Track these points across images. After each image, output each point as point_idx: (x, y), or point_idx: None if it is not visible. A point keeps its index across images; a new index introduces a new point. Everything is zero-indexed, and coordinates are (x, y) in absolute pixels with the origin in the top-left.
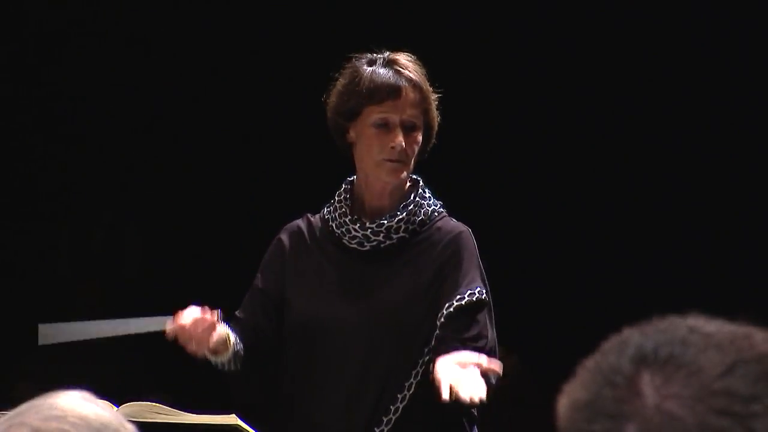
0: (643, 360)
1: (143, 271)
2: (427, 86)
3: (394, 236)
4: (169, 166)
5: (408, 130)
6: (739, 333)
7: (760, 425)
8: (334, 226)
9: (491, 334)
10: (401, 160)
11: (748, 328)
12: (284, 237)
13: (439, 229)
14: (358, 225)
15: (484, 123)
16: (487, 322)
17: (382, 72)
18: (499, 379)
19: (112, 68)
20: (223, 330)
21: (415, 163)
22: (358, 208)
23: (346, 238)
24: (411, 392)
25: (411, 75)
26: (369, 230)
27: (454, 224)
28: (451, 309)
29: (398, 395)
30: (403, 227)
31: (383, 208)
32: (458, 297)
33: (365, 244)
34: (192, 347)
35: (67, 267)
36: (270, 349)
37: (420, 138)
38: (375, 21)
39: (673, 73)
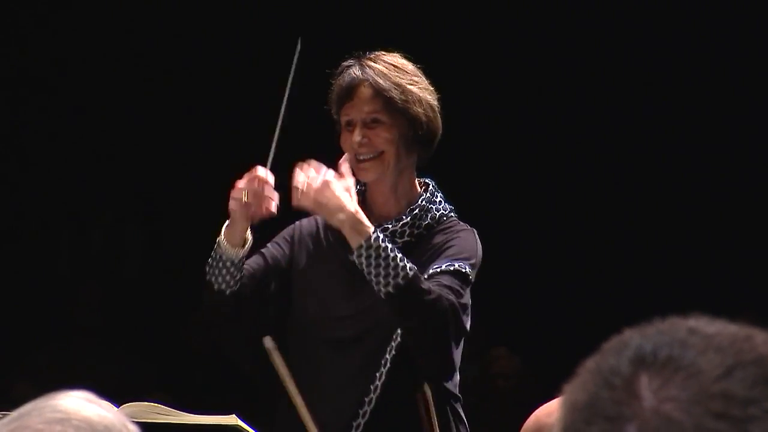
0: (641, 362)
1: (143, 271)
2: (389, 79)
3: (399, 240)
4: (169, 167)
5: (371, 126)
6: (740, 335)
7: (757, 429)
8: None
9: (459, 297)
10: (369, 158)
11: (750, 330)
12: (302, 229)
13: (444, 231)
14: None
15: (494, 126)
16: (460, 289)
17: (346, 74)
18: (503, 376)
19: (113, 69)
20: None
21: (411, 163)
22: (367, 212)
23: None
24: (383, 381)
25: (364, 72)
26: None
27: (461, 227)
28: (425, 276)
29: (371, 386)
30: (408, 231)
31: (390, 212)
32: (436, 266)
33: None
34: (240, 202)
35: (67, 267)
36: (257, 313)
37: (388, 133)
38: (379, 24)
39: (672, 74)
